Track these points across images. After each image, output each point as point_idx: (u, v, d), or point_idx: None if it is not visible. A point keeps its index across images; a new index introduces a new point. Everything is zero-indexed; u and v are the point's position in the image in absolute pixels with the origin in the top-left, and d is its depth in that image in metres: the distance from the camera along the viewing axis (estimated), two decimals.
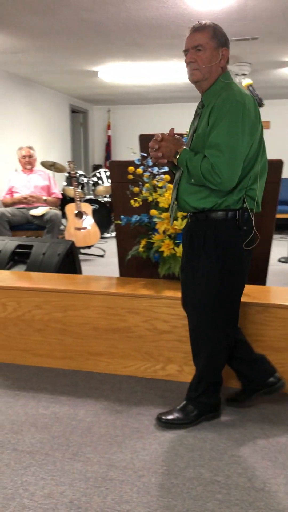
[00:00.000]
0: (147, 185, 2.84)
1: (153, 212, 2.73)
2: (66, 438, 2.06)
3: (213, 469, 1.85)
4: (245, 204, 1.97)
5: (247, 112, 1.89)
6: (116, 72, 6.38)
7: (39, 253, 3.40)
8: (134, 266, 3.10)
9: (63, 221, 5.66)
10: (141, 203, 2.83)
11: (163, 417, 2.16)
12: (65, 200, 6.26)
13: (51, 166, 6.12)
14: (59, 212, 5.20)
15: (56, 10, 3.97)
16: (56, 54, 5.40)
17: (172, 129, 2.07)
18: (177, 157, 2.00)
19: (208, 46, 1.94)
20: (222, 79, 1.98)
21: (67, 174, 6.62)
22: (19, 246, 3.53)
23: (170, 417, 2.16)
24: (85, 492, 1.72)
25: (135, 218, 2.84)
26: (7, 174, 5.68)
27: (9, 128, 6.53)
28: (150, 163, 2.63)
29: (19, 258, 3.51)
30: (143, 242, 2.79)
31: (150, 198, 2.81)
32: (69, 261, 3.49)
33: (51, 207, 5.22)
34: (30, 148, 5.41)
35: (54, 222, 5.01)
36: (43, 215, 5.03)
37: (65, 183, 6.73)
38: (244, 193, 1.97)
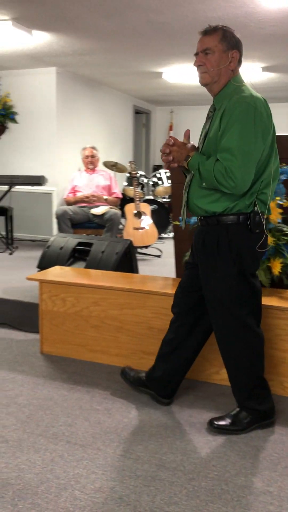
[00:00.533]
0: None
1: None
2: (117, 435, 2.08)
3: (265, 479, 1.81)
4: (256, 208, 1.97)
5: (258, 116, 1.88)
6: (181, 73, 6.38)
7: (98, 251, 3.47)
8: None
9: (122, 220, 5.73)
10: None
11: (215, 422, 2.13)
12: (125, 200, 6.34)
13: (112, 166, 6.22)
14: (118, 212, 5.27)
15: (124, 12, 4.03)
16: (122, 55, 5.48)
17: (188, 131, 2.11)
18: (188, 160, 2.01)
19: (216, 49, 1.95)
20: (233, 82, 1.98)
21: (128, 174, 6.70)
22: (79, 244, 3.62)
23: (222, 422, 2.13)
24: (135, 490, 1.73)
25: (193, 219, 2.83)
26: (71, 174, 5.84)
27: (75, 128, 6.70)
28: None
29: (79, 255, 3.59)
30: None
31: None
32: (127, 260, 3.53)
33: (111, 207, 5.31)
34: (93, 148, 5.52)
35: (114, 221, 5.09)
36: (103, 214, 5.12)
37: (126, 183, 6.82)
38: (255, 197, 1.97)
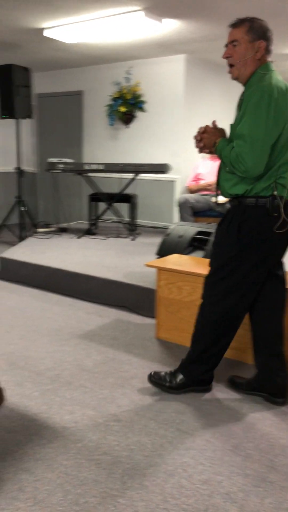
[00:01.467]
0: None
1: None
2: (228, 429, 2.05)
3: None
4: (275, 192, 2.03)
5: (273, 104, 1.94)
6: None
7: None
8: None
9: None
10: None
11: (153, 374, 2.38)
12: None
13: None
14: None
15: None
16: None
17: (214, 121, 2.24)
18: (215, 146, 2.15)
19: (243, 40, 2.04)
20: (260, 70, 2.05)
21: None
22: (199, 233, 3.60)
23: (158, 375, 2.36)
24: (243, 488, 1.69)
25: None
26: (195, 162, 5.82)
27: (201, 116, 6.65)
28: None
29: (198, 244, 3.58)
30: None
31: None
32: None
33: None
34: None
35: None
36: (226, 202, 5.02)
37: None
38: (274, 180, 2.04)
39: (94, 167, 5.55)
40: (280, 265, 2.26)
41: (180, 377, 2.33)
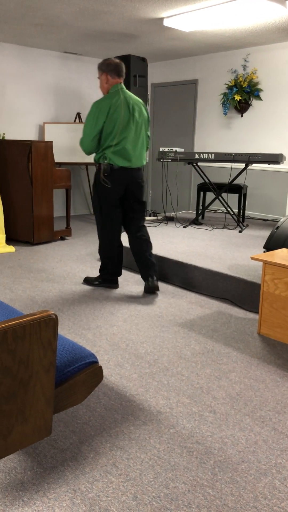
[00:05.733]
0: None
1: None
2: None
3: None
4: (106, 160, 3.44)
5: (97, 111, 3.33)
6: None
7: None
8: None
9: None
10: None
11: (87, 277, 3.91)
12: None
13: None
14: None
15: None
16: None
17: None
18: None
19: (99, 75, 3.48)
20: (111, 90, 3.41)
21: None
22: None
23: (88, 278, 3.87)
24: None
25: None
26: None
27: None
28: None
29: None
30: None
31: None
32: None
33: None
34: None
35: None
36: None
37: None
38: (102, 154, 3.44)
39: (204, 156, 5.51)
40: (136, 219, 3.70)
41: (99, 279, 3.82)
